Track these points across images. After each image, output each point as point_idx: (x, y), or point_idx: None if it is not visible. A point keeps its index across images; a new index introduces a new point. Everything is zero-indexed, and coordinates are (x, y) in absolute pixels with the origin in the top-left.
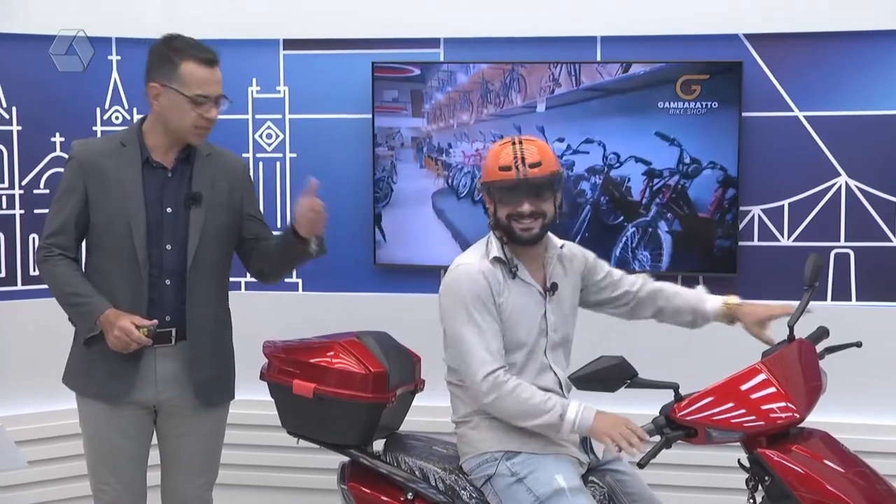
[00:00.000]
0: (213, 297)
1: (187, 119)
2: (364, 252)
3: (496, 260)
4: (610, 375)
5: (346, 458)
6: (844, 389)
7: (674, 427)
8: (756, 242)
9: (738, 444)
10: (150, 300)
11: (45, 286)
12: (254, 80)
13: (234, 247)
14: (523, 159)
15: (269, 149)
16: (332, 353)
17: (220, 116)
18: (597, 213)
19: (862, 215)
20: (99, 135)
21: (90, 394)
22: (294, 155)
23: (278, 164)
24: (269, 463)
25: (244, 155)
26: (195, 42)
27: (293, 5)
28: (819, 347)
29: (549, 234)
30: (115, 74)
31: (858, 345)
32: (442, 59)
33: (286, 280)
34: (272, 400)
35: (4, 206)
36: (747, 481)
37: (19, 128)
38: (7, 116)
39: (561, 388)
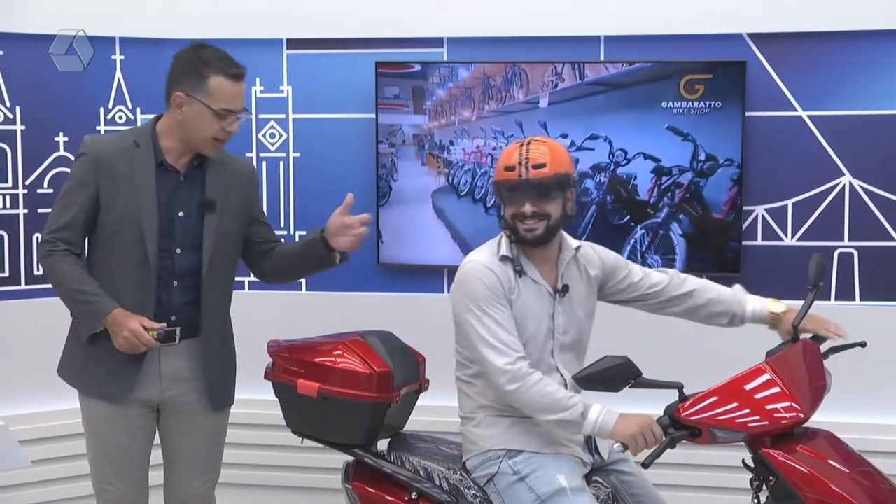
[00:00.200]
0: (224, 301)
1: (209, 131)
2: (367, 252)
3: (505, 258)
4: (614, 375)
5: (350, 458)
6: (848, 389)
7: (678, 427)
8: (760, 242)
9: (742, 444)
10: (157, 300)
11: (49, 286)
12: (257, 80)
13: (241, 250)
14: (528, 160)
15: (272, 148)
16: (336, 352)
17: None
18: (602, 212)
19: (866, 215)
20: (103, 134)
21: (92, 392)
22: (297, 154)
23: (282, 163)
24: (274, 462)
25: (248, 154)
26: (224, 54)
27: (297, 5)
28: (823, 347)
29: (565, 234)
30: (118, 74)
31: (863, 345)
32: (445, 58)
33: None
34: (276, 399)
35: (8, 205)
36: (751, 481)
37: (23, 127)
38: (11, 116)
39: (566, 385)
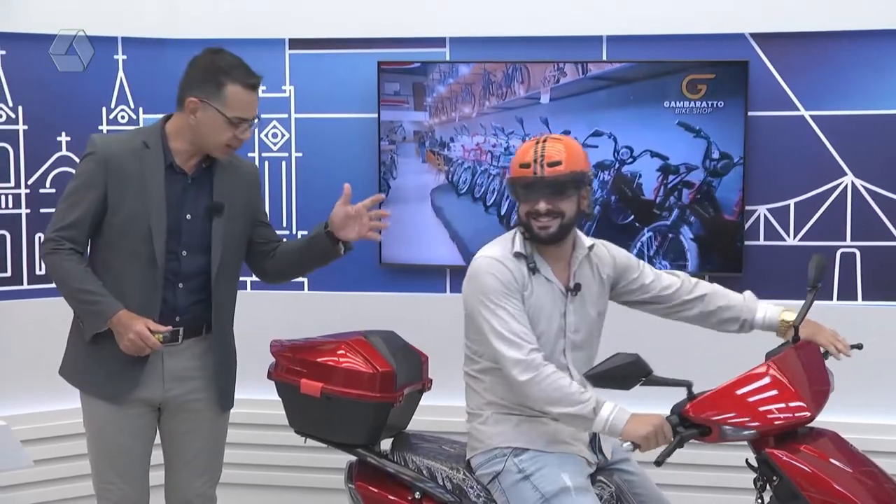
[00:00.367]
0: (230, 303)
1: (222, 138)
2: (369, 251)
3: (519, 255)
4: (625, 373)
5: (353, 458)
6: (850, 389)
7: (687, 425)
8: (762, 242)
9: (745, 444)
10: (162, 301)
11: (52, 285)
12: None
13: (245, 251)
14: (543, 157)
15: (274, 148)
16: (339, 352)
17: None
18: (606, 212)
19: (868, 215)
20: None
21: (94, 392)
22: (300, 154)
23: (284, 163)
24: (276, 462)
25: (250, 154)
26: (241, 62)
27: (299, 5)
28: (822, 349)
29: (578, 233)
30: (120, 74)
31: (859, 347)
32: (448, 58)
33: (298, 278)
34: (279, 399)
35: (11, 205)
36: (755, 481)
37: (25, 127)
38: (13, 116)
39: None
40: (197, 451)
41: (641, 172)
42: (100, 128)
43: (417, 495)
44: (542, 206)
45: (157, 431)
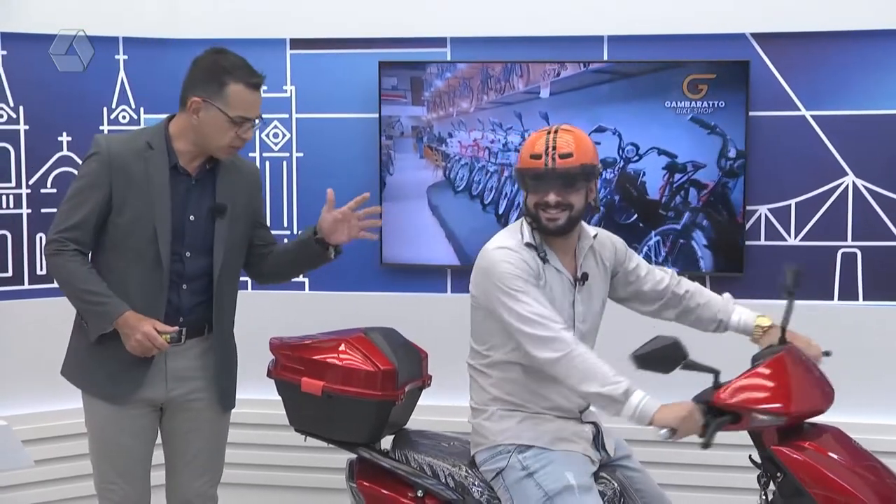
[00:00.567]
0: (232, 303)
1: (225, 138)
2: (370, 251)
3: (529, 245)
4: (667, 355)
5: (354, 456)
6: (851, 389)
7: (716, 413)
8: (763, 242)
9: (746, 443)
10: (167, 302)
11: (53, 285)
12: None
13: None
14: (555, 149)
15: (275, 148)
16: (340, 350)
17: None
18: (609, 213)
19: (869, 215)
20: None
21: (96, 393)
22: (301, 154)
23: (285, 163)
24: (277, 462)
25: (251, 154)
26: (244, 62)
27: (299, 5)
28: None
29: (583, 223)
30: (122, 74)
31: (828, 354)
32: (449, 58)
33: (292, 279)
34: (279, 399)
35: (12, 205)
36: (759, 478)
37: (26, 127)
38: (14, 115)
39: None
40: (198, 451)
41: (646, 170)
42: (101, 128)
43: (420, 493)
44: (552, 197)
45: (159, 431)
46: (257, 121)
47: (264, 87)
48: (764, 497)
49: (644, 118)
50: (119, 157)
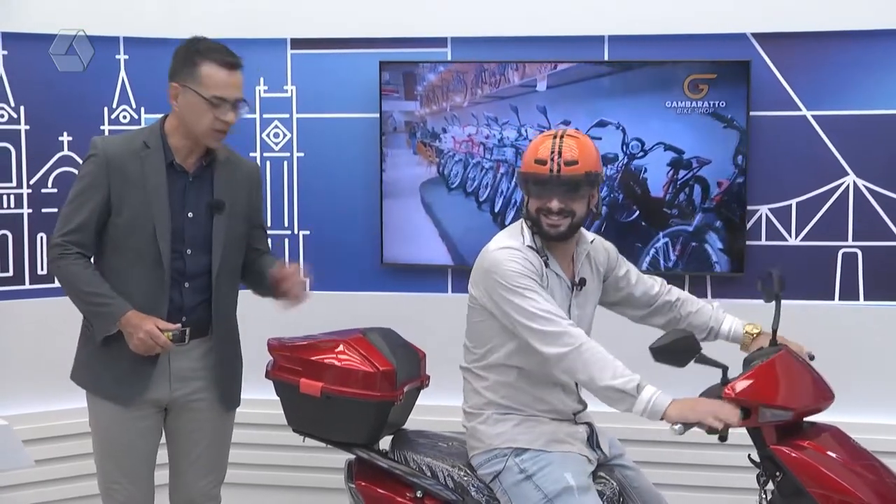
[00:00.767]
0: (232, 301)
1: (204, 121)
2: (371, 251)
3: (531, 248)
4: (682, 348)
5: (352, 456)
6: (851, 389)
7: None
8: (763, 242)
9: (745, 443)
10: (169, 300)
11: (53, 285)
12: (261, 80)
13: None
14: (560, 155)
15: (276, 148)
16: (338, 350)
17: None
18: (612, 213)
19: (870, 215)
20: (107, 134)
21: (102, 394)
22: (301, 154)
23: (286, 163)
24: (278, 462)
25: (251, 154)
26: (219, 45)
27: (300, 5)
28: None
29: (582, 228)
30: (122, 73)
31: (812, 357)
32: (449, 58)
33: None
34: (278, 398)
35: (13, 205)
36: (758, 477)
37: (27, 127)
38: (15, 115)
39: (577, 385)
40: (201, 451)
41: (647, 167)
42: (102, 128)
43: (419, 493)
44: (555, 204)
45: (163, 432)
46: (241, 105)
47: (265, 87)
48: (763, 496)
49: (649, 112)
50: (116, 158)
